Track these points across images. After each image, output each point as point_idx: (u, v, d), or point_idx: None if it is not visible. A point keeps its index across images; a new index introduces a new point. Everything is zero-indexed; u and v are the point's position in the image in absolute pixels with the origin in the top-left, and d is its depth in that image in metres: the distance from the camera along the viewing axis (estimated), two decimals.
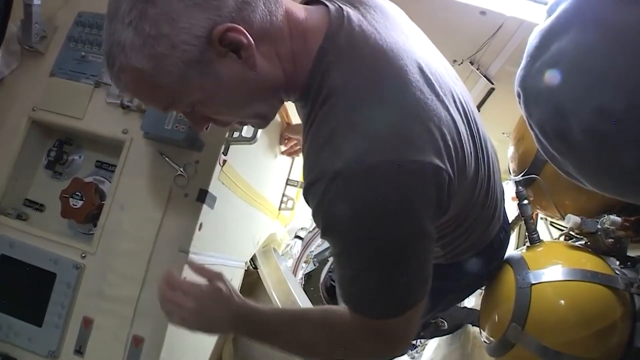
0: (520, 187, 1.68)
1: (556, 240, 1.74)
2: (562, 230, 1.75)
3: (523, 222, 1.74)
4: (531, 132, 0.76)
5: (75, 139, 1.60)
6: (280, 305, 1.94)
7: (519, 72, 0.73)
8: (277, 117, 1.96)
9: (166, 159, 1.40)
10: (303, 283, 3.73)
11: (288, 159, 2.62)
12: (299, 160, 2.83)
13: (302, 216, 3.19)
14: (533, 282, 1.48)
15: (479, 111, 1.21)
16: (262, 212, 2.17)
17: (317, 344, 1.00)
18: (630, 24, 0.56)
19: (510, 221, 1.98)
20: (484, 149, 1.04)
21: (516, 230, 2.69)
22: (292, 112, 2.04)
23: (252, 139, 1.43)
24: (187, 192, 1.37)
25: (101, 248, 1.39)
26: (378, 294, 0.86)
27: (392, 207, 0.77)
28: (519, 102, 0.76)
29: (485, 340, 1.64)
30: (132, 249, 1.35)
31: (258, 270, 2.14)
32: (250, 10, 0.78)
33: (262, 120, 0.97)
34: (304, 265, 3.70)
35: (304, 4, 0.94)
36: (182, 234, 1.35)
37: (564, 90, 0.63)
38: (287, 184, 2.68)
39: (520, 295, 1.48)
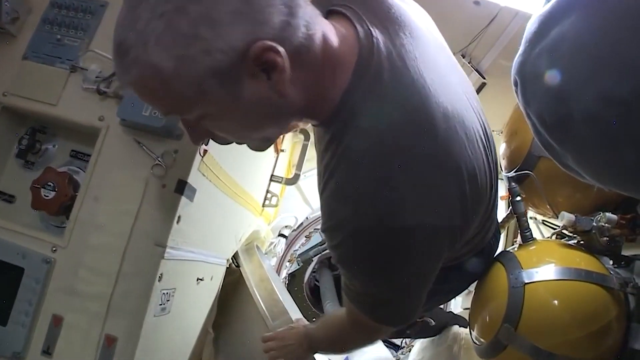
0: (513, 184, 1.63)
1: (549, 239, 1.69)
2: (554, 228, 1.70)
3: (515, 220, 1.68)
4: (528, 122, 0.73)
5: (49, 127, 1.51)
6: (262, 303, 1.87)
7: (517, 58, 0.70)
8: None
9: (143, 147, 1.32)
10: (287, 283, 3.67)
11: (272, 155, 2.55)
12: (284, 156, 2.77)
13: (286, 214, 3.13)
14: (526, 281, 1.43)
15: None
16: (244, 207, 2.10)
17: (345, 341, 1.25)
18: (634, 6, 0.54)
19: (500, 220, 1.93)
20: (496, 174, 1.04)
21: (506, 229, 2.64)
22: None
23: None
24: (165, 182, 1.30)
25: (73, 242, 1.30)
26: (382, 308, 0.94)
27: (408, 261, 0.84)
28: (516, 91, 0.73)
29: (476, 341, 1.59)
30: (106, 242, 1.27)
31: (240, 268, 2.07)
32: (292, 32, 0.72)
33: (265, 143, 0.91)
34: (287, 264, 3.64)
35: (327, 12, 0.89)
36: (159, 227, 1.27)
37: (565, 76, 0.61)
38: (271, 180, 2.61)
39: (513, 295, 1.42)
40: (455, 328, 2.25)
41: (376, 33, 0.83)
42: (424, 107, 0.79)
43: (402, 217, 0.77)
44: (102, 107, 1.38)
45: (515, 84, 0.73)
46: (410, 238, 0.79)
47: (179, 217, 1.29)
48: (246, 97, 0.73)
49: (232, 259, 2.12)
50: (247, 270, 2.05)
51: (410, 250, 0.81)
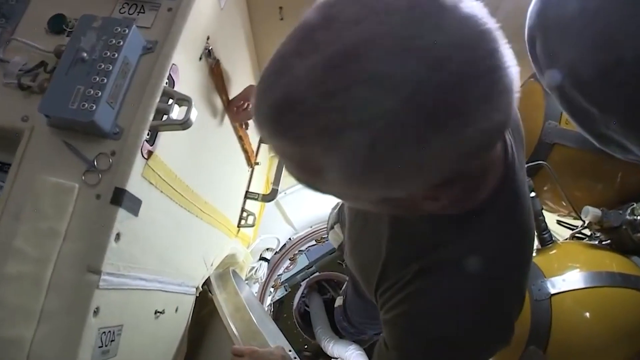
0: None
1: (568, 240, 1.45)
2: (571, 229, 1.46)
3: None
4: (552, 88, 0.66)
5: None
6: (238, 336, 1.59)
7: (533, 5, 0.64)
8: (218, 104, 1.64)
9: (73, 149, 1.06)
10: (273, 310, 3.41)
11: (246, 170, 2.30)
12: (259, 170, 2.52)
13: (267, 235, 2.87)
14: (552, 291, 1.18)
15: None
16: (215, 227, 1.83)
17: None
18: None
19: None
20: None
21: None
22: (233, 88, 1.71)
23: (184, 123, 1.11)
24: (99, 192, 1.03)
25: None
26: None
27: None
28: (533, 52, 0.66)
29: None
30: (25, 271, 0.98)
31: (212, 296, 1.79)
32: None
33: None
34: (271, 290, 3.36)
35: None
36: (93, 248, 1.00)
37: (610, 12, 0.52)
38: (246, 197, 2.36)
39: (537, 310, 1.18)
40: None
41: (510, 143, 0.79)
42: (529, 235, 0.89)
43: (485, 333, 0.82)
44: (26, 105, 1.12)
45: (532, 42, 0.65)
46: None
47: (118, 235, 1.03)
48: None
49: (207, 287, 1.85)
50: (220, 299, 1.77)
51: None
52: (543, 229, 1.35)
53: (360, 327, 2.10)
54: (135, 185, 1.07)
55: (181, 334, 1.60)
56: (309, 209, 3.10)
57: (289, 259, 3.30)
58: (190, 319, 1.68)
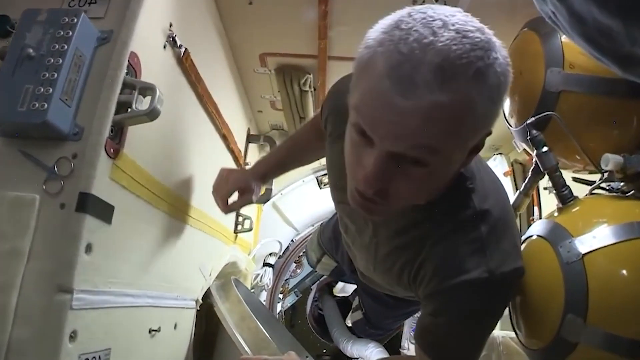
0: (534, 132, 1.26)
1: (589, 196, 1.32)
2: (589, 184, 1.33)
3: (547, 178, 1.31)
4: (559, 9, 0.61)
5: None
6: (246, 346, 1.47)
7: None
8: (193, 97, 1.52)
9: (30, 157, 0.94)
10: (285, 318, 3.28)
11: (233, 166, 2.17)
12: None
13: (268, 239, 2.75)
14: (583, 251, 1.05)
15: None
16: (208, 234, 1.71)
17: None
18: None
19: (513, 202, 1.58)
20: None
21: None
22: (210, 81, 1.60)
23: (150, 112, 0.99)
24: (63, 201, 0.91)
25: None
26: (462, 352, 1.03)
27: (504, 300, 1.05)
28: None
29: (528, 347, 1.20)
30: None
31: (215, 308, 1.66)
32: None
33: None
34: (280, 296, 3.24)
35: None
36: (61, 264, 0.87)
37: None
38: None
39: (570, 274, 1.05)
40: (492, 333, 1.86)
41: None
42: (501, 187, 1.09)
43: (512, 262, 0.97)
44: None
45: None
46: (513, 281, 1.01)
47: (90, 246, 0.90)
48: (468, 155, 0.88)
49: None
50: (224, 309, 1.65)
51: (508, 295, 1.05)
52: (562, 185, 1.23)
53: (387, 327, 2.25)
54: (103, 189, 0.94)
55: (184, 351, 1.48)
56: (307, 207, 2.98)
57: (294, 262, 3.18)
58: (193, 334, 1.55)
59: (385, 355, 2.34)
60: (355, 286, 2.48)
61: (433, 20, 0.70)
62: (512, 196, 2.53)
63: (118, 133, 1.01)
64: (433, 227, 0.98)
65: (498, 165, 2.65)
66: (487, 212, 0.96)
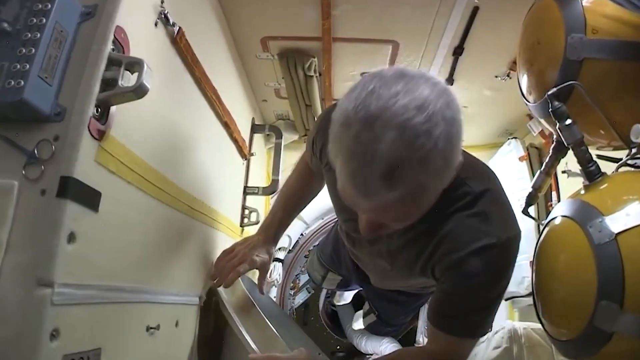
0: (557, 103, 1.16)
1: (617, 173, 1.23)
2: (615, 161, 1.24)
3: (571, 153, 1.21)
4: None
5: None
6: (253, 344, 1.38)
7: None
8: (190, 80, 1.43)
9: (8, 141, 0.86)
10: (298, 315, 3.21)
11: (240, 162, 2.10)
12: (257, 163, 2.32)
13: None
14: (616, 230, 0.96)
15: (464, 43, 1.94)
16: (211, 226, 1.63)
17: None
18: None
19: (533, 183, 1.49)
20: None
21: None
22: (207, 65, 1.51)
23: (137, 89, 0.90)
24: (43, 187, 0.83)
25: None
26: (481, 322, 1.12)
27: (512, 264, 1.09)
28: None
29: (556, 338, 1.11)
30: None
31: (220, 304, 1.58)
32: None
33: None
34: (291, 292, 3.15)
35: None
36: (42, 255, 0.79)
37: None
38: (245, 192, 2.15)
39: (603, 256, 0.96)
40: (509, 324, 1.76)
41: None
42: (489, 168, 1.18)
43: (514, 228, 1.07)
44: None
45: None
46: (517, 245, 1.08)
47: (73, 235, 0.82)
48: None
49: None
50: (229, 305, 1.56)
51: (514, 257, 1.09)
52: (588, 160, 1.13)
53: (400, 322, 2.36)
54: (88, 173, 0.86)
55: (188, 350, 1.40)
56: (316, 199, 2.88)
57: (305, 257, 3.09)
58: (197, 331, 1.47)
59: (399, 347, 2.46)
60: (353, 293, 2.75)
61: (375, 121, 0.78)
62: (528, 182, 2.47)
63: (104, 113, 0.92)
64: (440, 217, 1.05)
65: (513, 150, 2.55)
66: (485, 191, 1.05)
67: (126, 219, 1.02)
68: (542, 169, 1.43)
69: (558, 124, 1.15)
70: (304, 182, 1.46)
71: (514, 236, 1.05)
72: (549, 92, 1.16)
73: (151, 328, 1.14)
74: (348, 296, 2.85)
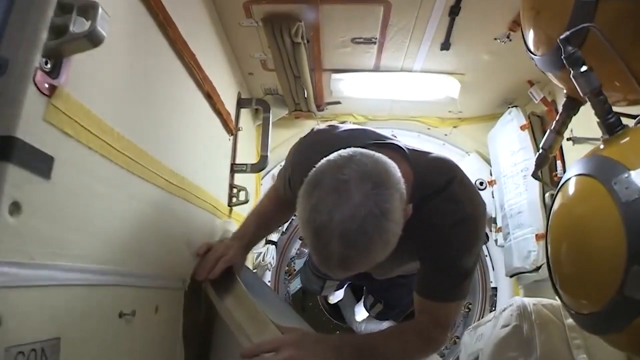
0: (571, 48, 1.03)
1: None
2: (633, 117, 1.12)
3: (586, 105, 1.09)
4: None
5: None
6: (247, 329, 1.27)
7: None
8: (162, 41, 1.29)
9: None
10: (291, 300, 3.11)
11: (226, 137, 1.97)
12: (245, 139, 2.20)
13: None
14: None
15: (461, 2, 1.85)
16: (195, 205, 1.51)
17: (409, 350, 1.30)
18: None
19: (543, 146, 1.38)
20: None
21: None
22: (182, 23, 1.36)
23: (90, 34, 0.77)
24: None
25: None
26: (462, 286, 1.30)
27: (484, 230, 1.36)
28: None
29: (578, 311, 0.99)
30: None
31: (205, 290, 1.46)
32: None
33: None
34: (286, 277, 3.04)
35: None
36: None
37: None
38: (233, 170, 2.03)
39: (631, 215, 0.84)
40: (518, 300, 1.66)
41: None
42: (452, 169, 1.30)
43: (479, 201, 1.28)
44: None
45: None
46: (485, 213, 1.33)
47: (17, 205, 0.70)
48: None
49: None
50: (217, 292, 1.44)
51: (484, 226, 1.35)
52: (607, 111, 1.00)
53: (406, 302, 2.32)
54: (35, 134, 0.74)
55: (169, 338, 1.28)
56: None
57: (299, 239, 2.97)
58: (182, 318, 1.36)
59: None
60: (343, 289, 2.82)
61: (321, 233, 0.94)
62: (531, 152, 2.36)
63: (56, 66, 0.80)
64: (419, 216, 1.13)
65: (514, 119, 2.45)
66: (450, 180, 1.24)
67: (88, 190, 0.89)
68: (552, 127, 1.31)
69: (572, 71, 1.03)
70: (276, 207, 1.53)
71: (482, 210, 1.29)
72: (561, 37, 1.03)
73: (125, 314, 1.03)
74: (340, 293, 2.84)
